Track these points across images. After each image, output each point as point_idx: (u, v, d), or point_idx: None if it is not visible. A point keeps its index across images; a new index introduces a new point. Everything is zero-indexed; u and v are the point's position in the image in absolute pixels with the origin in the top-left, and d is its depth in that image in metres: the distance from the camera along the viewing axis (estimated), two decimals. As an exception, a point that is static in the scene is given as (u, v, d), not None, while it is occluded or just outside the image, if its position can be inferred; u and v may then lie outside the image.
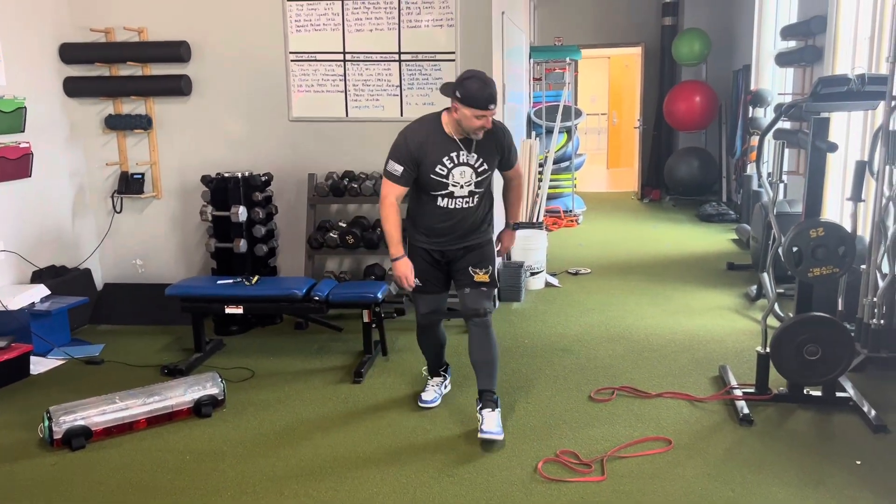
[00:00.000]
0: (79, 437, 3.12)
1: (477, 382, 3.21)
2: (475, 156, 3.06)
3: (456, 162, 3.04)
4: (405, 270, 3.13)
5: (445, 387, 3.58)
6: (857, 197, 3.68)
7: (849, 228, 3.37)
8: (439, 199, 3.10)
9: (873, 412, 3.21)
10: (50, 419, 3.11)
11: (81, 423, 3.14)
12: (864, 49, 5.12)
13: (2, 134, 4.35)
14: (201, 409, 3.40)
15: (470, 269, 3.19)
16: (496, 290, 3.35)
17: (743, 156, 8.29)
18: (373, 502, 2.68)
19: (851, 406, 3.33)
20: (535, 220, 6.18)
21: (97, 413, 3.20)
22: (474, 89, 2.90)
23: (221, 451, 3.09)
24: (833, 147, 3.16)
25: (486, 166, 3.10)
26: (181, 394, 3.40)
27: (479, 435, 3.04)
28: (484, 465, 2.91)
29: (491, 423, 3.07)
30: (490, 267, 3.22)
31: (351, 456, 3.02)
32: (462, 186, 3.08)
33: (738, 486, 2.73)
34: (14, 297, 4.17)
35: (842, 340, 3.19)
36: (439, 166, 3.04)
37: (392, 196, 3.08)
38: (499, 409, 3.16)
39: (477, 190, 3.13)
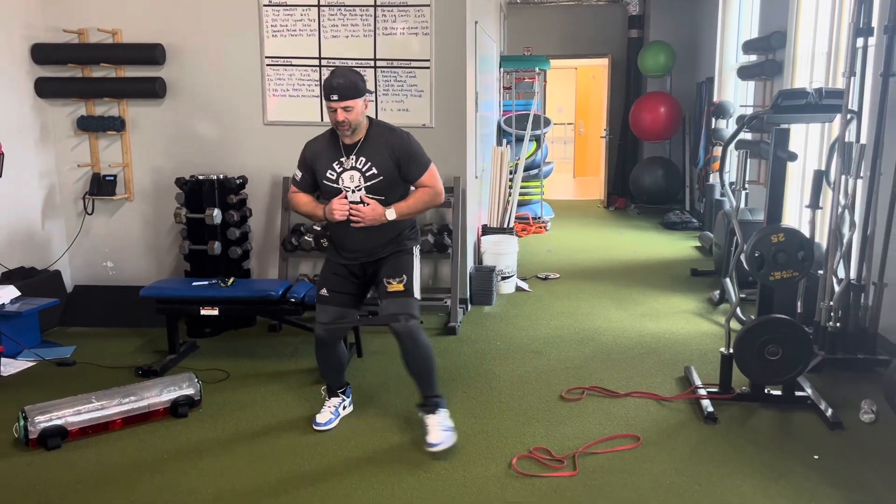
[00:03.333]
0: (54, 437, 3.12)
1: (417, 389, 3.22)
2: (363, 159, 3.06)
3: (344, 167, 3.08)
4: (332, 205, 3.06)
5: (344, 408, 3.39)
6: (815, 204, 3.86)
7: (807, 234, 3.52)
8: None
9: (830, 410, 3.35)
10: (25, 419, 3.11)
11: (57, 422, 3.14)
12: (822, 64, 5.34)
13: (-28, 133, 4.32)
14: (177, 409, 3.41)
15: (384, 280, 3.14)
16: (418, 300, 3.16)
17: (706, 166, 8.52)
18: (351, 497, 2.73)
19: (810, 405, 3.47)
20: (505, 226, 6.28)
21: (72, 413, 3.20)
22: (324, 82, 3.01)
23: (199, 450, 3.12)
24: (793, 156, 3.32)
25: (374, 171, 3.06)
26: (157, 394, 3.41)
27: (426, 448, 3.03)
28: (459, 462, 2.98)
29: (434, 432, 3.06)
30: (404, 276, 3.13)
31: (329, 454, 3.07)
32: (353, 191, 3.09)
33: (704, 480, 2.85)
34: (-17, 297, 4.13)
35: (801, 341, 3.34)
36: (329, 171, 3.10)
37: (292, 193, 3.23)
38: (443, 409, 3.15)
39: (372, 196, 3.07)
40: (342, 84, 2.94)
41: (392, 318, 3.08)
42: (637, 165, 9.86)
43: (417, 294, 3.17)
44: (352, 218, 3.06)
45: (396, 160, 3.08)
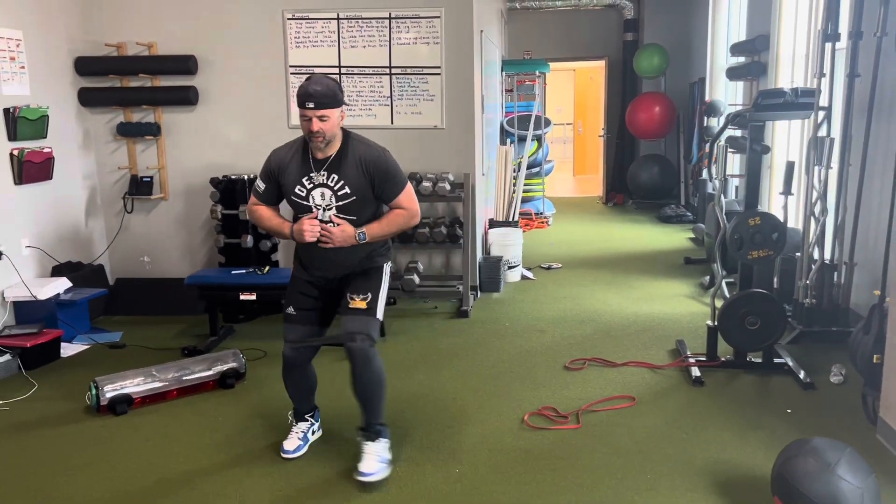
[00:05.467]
0: (122, 404, 3.56)
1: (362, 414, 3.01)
2: (335, 176, 2.82)
3: (315, 183, 2.84)
4: (300, 225, 2.82)
5: (313, 432, 3.22)
6: (787, 191, 4.30)
7: (781, 218, 3.96)
8: None
9: (804, 374, 3.79)
10: (97, 388, 3.54)
11: (124, 391, 3.58)
12: (801, 65, 5.77)
13: (28, 140, 4.75)
14: (225, 381, 3.85)
15: (348, 295, 2.93)
16: (380, 321, 2.98)
17: (699, 162, 8.96)
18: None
19: (787, 370, 3.91)
20: (510, 220, 6.72)
21: (136, 383, 3.64)
22: (298, 88, 2.78)
23: (250, 414, 3.56)
24: (766, 149, 3.75)
25: (347, 190, 2.82)
26: (207, 368, 3.85)
27: (354, 475, 2.86)
28: (477, 417, 3.42)
29: (370, 461, 2.87)
30: (369, 294, 2.92)
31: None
32: (324, 210, 2.85)
33: (691, 430, 3.29)
34: (42, 288, 4.56)
35: (776, 312, 3.78)
36: (298, 187, 2.85)
37: (252, 205, 3.01)
38: (384, 439, 2.96)
39: (343, 217, 2.85)
40: (319, 91, 2.72)
41: (349, 336, 2.87)
42: (634, 163, 10.30)
43: (380, 314, 2.97)
44: (321, 239, 2.84)
45: (370, 178, 2.84)
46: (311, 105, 2.71)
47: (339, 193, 2.83)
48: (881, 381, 3.15)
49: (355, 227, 2.86)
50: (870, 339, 3.29)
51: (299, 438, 3.16)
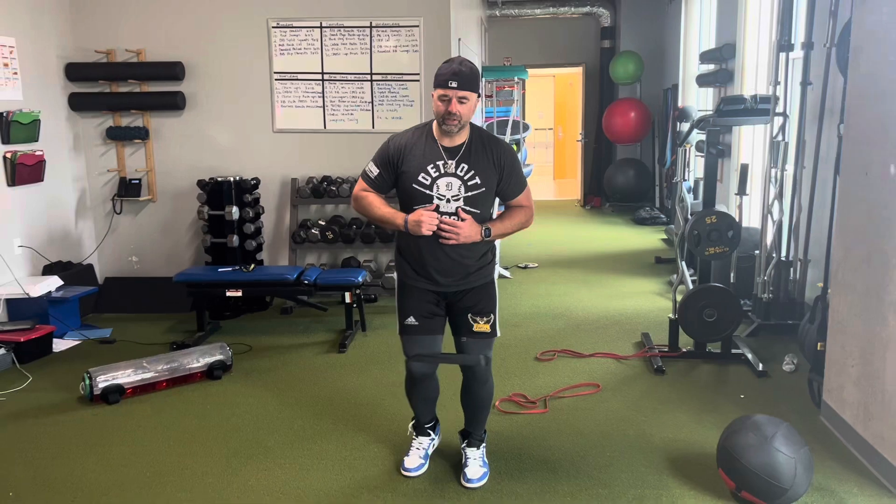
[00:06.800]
0: (114, 394, 3.75)
1: (465, 421, 3.07)
2: (465, 166, 2.67)
3: (441, 171, 2.67)
4: (418, 216, 2.64)
5: (433, 447, 3.14)
6: (742, 192, 4.56)
7: (737, 217, 4.22)
8: None
9: (759, 364, 4.04)
10: (90, 378, 3.73)
11: (116, 382, 3.76)
12: (765, 73, 6.05)
13: (20, 143, 4.93)
14: (213, 372, 4.04)
15: (469, 315, 2.80)
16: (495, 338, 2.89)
17: (672, 165, 9.24)
18: (366, 429, 3.39)
19: (743, 360, 4.16)
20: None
21: (128, 374, 3.82)
22: (440, 68, 2.63)
23: (236, 402, 3.75)
24: (722, 152, 4.01)
25: (478, 180, 2.67)
26: (195, 360, 4.04)
27: (462, 481, 2.89)
28: (452, 403, 3.61)
29: (474, 467, 2.92)
30: (492, 315, 2.82)
31: (344, 402, 3.72)
32: (449, 201, 2.67)
33: (651, 413, 3.52)
34: (34, 286, 4.73)
35: (732, 305, 4.03)
36: (422, 174, 2.67)
37: (361, 191, 2.79)
38: (485, 445, 3.04)
39: (468, 209, 2.68)
40: (464, 72, 2.58)
41: (473, 359, 2.82)
42: (611, 166, 10.58)
43: (499, 331, 2.90)
44: (442, 233, 2.65)
45: (500, 172, 2.71)
46: (455, 84, 2.56)
47: (469, 184, 2.67)
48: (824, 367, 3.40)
49: (478, 222, 2.71)
50: (814, 329, 3.54)
51: (420, 457, 3.03)
